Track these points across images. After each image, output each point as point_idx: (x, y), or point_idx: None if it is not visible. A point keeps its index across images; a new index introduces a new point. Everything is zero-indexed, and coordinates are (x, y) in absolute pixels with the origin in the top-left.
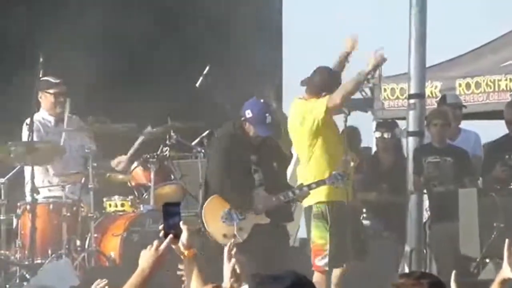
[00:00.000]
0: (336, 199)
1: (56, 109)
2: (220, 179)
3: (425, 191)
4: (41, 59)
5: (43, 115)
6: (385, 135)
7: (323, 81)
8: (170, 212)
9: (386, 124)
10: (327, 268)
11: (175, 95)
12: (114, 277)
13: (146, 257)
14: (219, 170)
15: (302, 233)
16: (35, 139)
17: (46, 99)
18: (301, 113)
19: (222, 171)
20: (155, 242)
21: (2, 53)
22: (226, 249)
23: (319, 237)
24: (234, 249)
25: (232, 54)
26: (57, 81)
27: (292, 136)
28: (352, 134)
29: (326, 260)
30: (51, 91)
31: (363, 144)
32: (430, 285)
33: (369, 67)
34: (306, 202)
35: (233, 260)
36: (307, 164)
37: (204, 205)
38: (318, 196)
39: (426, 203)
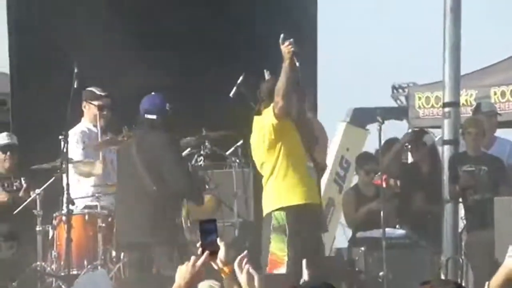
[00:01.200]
0: (297, 202)
1: (99, 121)
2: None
3: (460, 199)
4: (75, 70)
5: (88, 126)
6: (413, 144)
7: (271, 87)
8: (206, 230)
9: (414, 134)
10: None
11: (209, 104)
12: None
13: (182, 273)
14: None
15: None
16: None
17: (89, 110)
18: (258, 131)
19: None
20: (192, 258)
21: None
22: (237, 260)
23: (278, 248)
24: (246, 260)
25: (267, 63)
26: (102, 93)
27: (257, 157)
28: (393, 144)
29: (284, 270)
30: (95, 102)
31: None
32: None
33: (286, 63)
34: (264, 210)
35: (246, 267)
36: (275, 179)
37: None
38: (276, 201)
39: (462, 211)
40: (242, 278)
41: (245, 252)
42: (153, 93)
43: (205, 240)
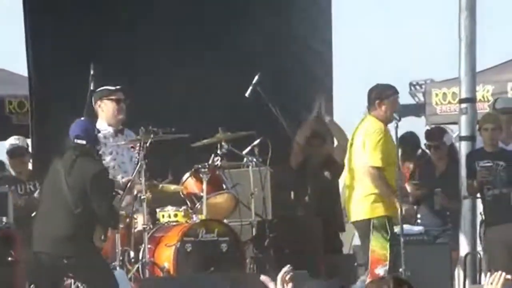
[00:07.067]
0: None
1: (118, 116)
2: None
3: (478, 195)
4: (92, 71)
5: (103, 127)
6: (434, 144)
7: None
8: None
9: (434, 132)
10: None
11: (225, 104)
12: None
13: None
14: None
15: (356, 240)
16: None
17: (106, 107)
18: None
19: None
20: None
21: None
22: (280, 275)
23: (380, 247)
24: (290, 275)
25: (283, 62)
26: (117, 87)
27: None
28: (410, 139)
29: (386, 268)
30: (112, 97)
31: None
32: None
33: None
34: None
35: (290, 285)
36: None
37: None
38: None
39: (480, 207)
40: None
41: (288, 266)
42: (82, 118)
43: None
